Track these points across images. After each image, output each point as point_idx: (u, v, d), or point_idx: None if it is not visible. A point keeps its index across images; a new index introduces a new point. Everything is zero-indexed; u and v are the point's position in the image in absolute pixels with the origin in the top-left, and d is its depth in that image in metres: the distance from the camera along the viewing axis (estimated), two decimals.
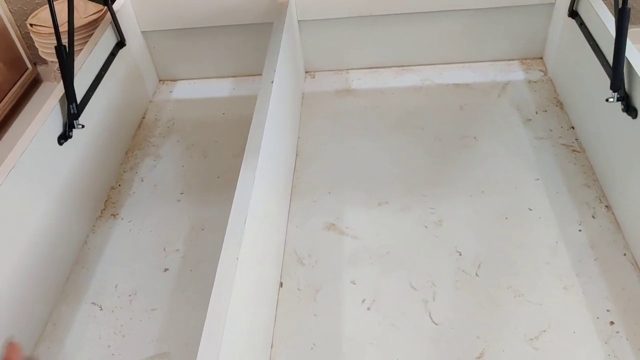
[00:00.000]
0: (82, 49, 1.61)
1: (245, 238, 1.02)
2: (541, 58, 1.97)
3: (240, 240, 1.00)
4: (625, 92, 1.29)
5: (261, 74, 1.42)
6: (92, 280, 1.41)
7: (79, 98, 1.47)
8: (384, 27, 1.91)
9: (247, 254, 1.04)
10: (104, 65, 1.65)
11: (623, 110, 1.29)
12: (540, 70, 1.92)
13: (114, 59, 1.72)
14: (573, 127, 1.67)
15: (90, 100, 1.54)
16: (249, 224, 1.05)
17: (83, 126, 1.45)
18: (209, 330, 0.87)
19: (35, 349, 1.28)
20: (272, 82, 1.37)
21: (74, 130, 1.43)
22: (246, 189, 1.10)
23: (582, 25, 1.58)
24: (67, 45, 1.37)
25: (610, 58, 1.33)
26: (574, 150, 1.60)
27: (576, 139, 1.63)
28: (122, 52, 1.79)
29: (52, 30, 1.71)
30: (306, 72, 2.05)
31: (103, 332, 1.30)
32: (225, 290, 0.93)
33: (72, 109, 1.40)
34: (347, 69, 2.04)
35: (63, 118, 1.41)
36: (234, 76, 2.09)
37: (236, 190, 1.10)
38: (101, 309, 1.34)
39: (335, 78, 2.01)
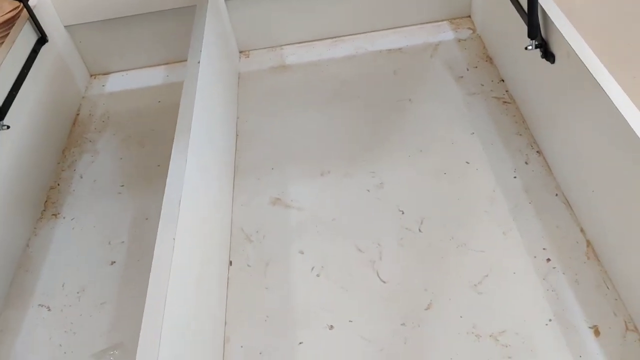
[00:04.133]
0: None
1: (182, 218, 1.02)
2: (469, 16, 2.00)
3: (176, 220, 1.00)
4: (542, 39, 1.34)
5: None
6: (37, 283, 1.39)
7: (0, 99, 1.42)
8: (315, 0, 1.90)
9: (186, 233, 1.04)
10: (25, 64, 1.60)
11: (542, 56, 1.34)
12: (469, 29, 1.95)
13: (36, 56, 1.66)
14: (503, 80, 1.72)
15: (15, 100, 1.49)
16: (184, 203, 1.04)
17: (8, 127, 1.41)
18: (149, 312, 0.87)
19: None
20: (199, 63, 1.36)
21: None
22: (178, 170, 1.09)
23: None
24: None
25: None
26: (505, 102, 1.64)
27: (506, 91, 1.68)
28: (45, 49, 1.73)
29: None
30: (240, 52, 2.03)
31: (53, 332, 1.28)
32: (163, 271, 0.93)
33: None
34: (281, 45, 2.03)
35: None
36: (166, 63, 2.05)
37: (169, 172, 1.09)
38: (49, 310, 1.32)
39: (270, 55, 2.00)
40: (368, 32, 2.02)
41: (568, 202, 1.35)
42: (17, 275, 1.41)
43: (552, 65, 1.32)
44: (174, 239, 0.97)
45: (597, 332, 1.12)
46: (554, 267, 1.23)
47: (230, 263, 1.35)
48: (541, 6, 1.33)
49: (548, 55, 1.32)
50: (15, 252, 1.43)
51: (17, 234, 1.45)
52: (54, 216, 1.55)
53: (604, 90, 1.09)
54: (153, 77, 2.00)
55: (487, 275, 1.24)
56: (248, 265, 1.34)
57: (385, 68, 1.84)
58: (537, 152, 1.48)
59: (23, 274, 1.41)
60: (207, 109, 1.36)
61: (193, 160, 1.15)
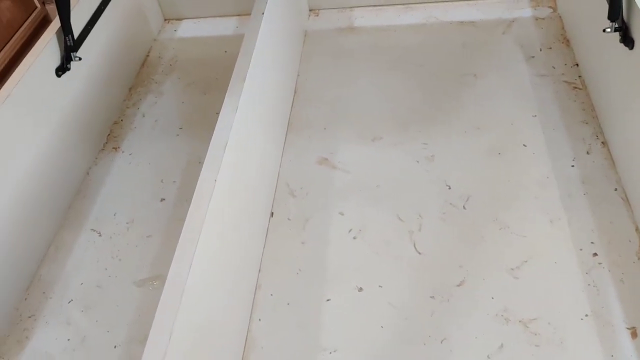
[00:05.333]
0: None
1: (226, 162, 1.05)
2: None
3: (220, 162, 1.03)
4: (624, 22, 1.25)
5: None
6: (92, 209, 1.47)
7: (77, 31, 1.49)
8: None
9: (228, 177, 1.06)
10: (103, 0, 1.66)
11: (620, 41, 1.25)
12: (550, 7, 1.85)
13: None
14: (577, 65, 1.63)
15: (90, 34, 1.56)
16: (230, 148, 1.07)
17: (80, 58, 1.48)
18: (183, 246, 0.91)
19: (38, 270, 1.35)
20: (263, 14, 1.36)
21: (72, 63, 1.46)
22: (228, 116, 1.12)
23: None
24: None
25: None
26: (576, 87, 1.56)
27: (579, 76, 1.59)
28: None
29: None
30: (310, 10, 2.02)
31: (101, 256, 1.36)
32: (201, 210, 0.96)
33: (69, 41, 1.42)
34: (352, 7, 2.00)
35: (60, 50, 1.44)
36: (238, 15, 2.07)
37: (219, 117, 1.12)
38: (100, 235, 1.41)
39: (339, 16, 1.98)
40: (441, 1, 1.95)
41: (627, 198, 1.28)
42: (76, 200, 1.50)
43: (631, 51, 1.24)
44: (215, 180, 1.00)
45: (634, 334, 1.07)
46: (599, 263, 1.18)
47: (272, 214, 1.38)
48: None
49: (627, 40, 1.23)
50: (76, 178, 1.52)
51: (80, 161, 1.54)
52: (114, 149, 1.63)
53: None
54: (223, 27, 2.03)
55: (526, 261, 1.21)
56: (288, 219, 1.36)
57: (453, 40, 1.79)
58: (602, 142, 1.41)
59: (81, 199, 1.50)
60: (265, 60, 1.37)
61: (244, 108, 1.17)
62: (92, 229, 1.43)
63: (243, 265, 1.18)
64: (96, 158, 1.61)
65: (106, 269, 1.33)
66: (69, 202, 1.48)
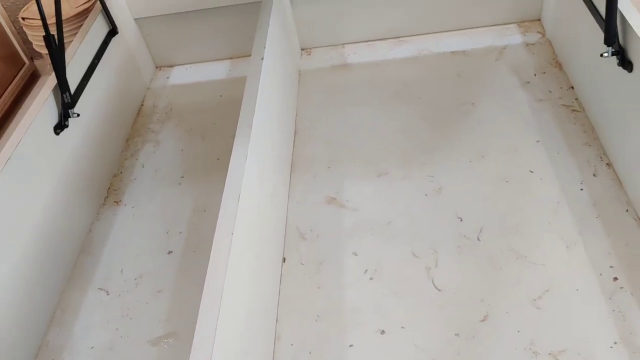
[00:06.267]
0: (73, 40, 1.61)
1: (240, 212, 1.03)
2: (539, 20, 1.93)
3: (235, 214, 1.01)
4: (620, 46, 1.27)
5: None
6: (98, 267, 1.43)
7: (72, 87, 1.47)
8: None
9: (243, 228, 1.04)
10: (97, 54, 1.66)
11: (618, 64, 1.27)
12: (538, 32, 1.88)
13: (107, 47, 1.72)
14: (572, 87, 1.64)
15: (85, 89, 1.55)
16: (243, 198, 1.05)
17: (78, 115, 1.46)
18: (206, 304, 0.88)
19: (46, 335, 1.30)
20: (262, 59, 1.36)
21: (69, 119, 1.44)
22: (239, 165, 1.10)
23: None
24: (56, 35, 1.37)
25: (604, 13, 1.30)
26: (574, 110, 1.57)
27: (576, 99, 1.61)
28: (115, 40, 1.79)
29: None
30: (302, 49, 2.04)
31: (110, 315, 1.32)
32: (221, 263, 0.94)
33: (66, 98, 1.41)
34: (343, 44, 2.02)
35: (58, 108, 1.42)
36: (230, 58, 2.08)
37: (229, 166, 1.11)
38: (108, 294, 1.37)
39: (332, 54, 2.00)
40: (432, 33, 1.98)
41: (639, 219, 1.28)
42: (80, 258, 1.46)
43: (629, 73, 1.25)
44: (232, 233, 0.98)
45: None
46: (621, 287, 1.17)
47: (284, 260, 1.35)
48: (620, 12, 1.26)
49: (625, 63, 1.25)
50: (79, 236, 1.49)
51: (81, 218, 1.50)
52: (115, 203, 1.60)
53: None
54: (216, 71, 2.04)
55: (547, 290, 1.19)
56: (301, 264, 1.34)
57: (448, 70, 1.80)
58: (607, 164, 1.41)
59: (85, 257, 1.46)
60: (268, 104, 1.37)
61: (253, 155, 1.16)
62: (99, 288, 1.39)
63: (261, 316, 1.14)
64: (98, 213, 1.57)
65: (117, 329, 1.29)
66: (72, 261, 1.45)
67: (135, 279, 1.38)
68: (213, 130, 1.77)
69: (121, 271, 1.41)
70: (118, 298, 1.35)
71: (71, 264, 1.44)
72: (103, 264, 1.44)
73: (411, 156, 1.54)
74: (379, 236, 1.36)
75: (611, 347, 1.09)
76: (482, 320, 1.17)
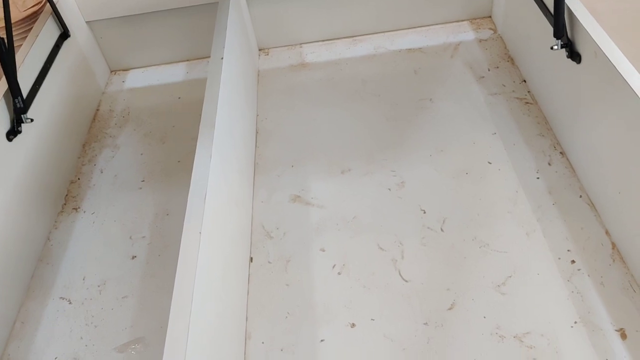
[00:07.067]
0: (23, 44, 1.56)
1: (207, 213, 1.02)
2: (490, 17, 1.99)
3: (202, 215, 1.00)
4: (568, 39, 1.32)
5: None
6: (58, 275, 1.39)
7: (24, 92, 1.43)
8: None
9: (211, 228, 1.03)
10: (48, 58, 1.61)
11: (567, 56, 1.32)
12: (490, 29, 1.94)
13: (59, 51, 1.67)
14: (525, 81, 1.70)
15: (38, 94, 1.50)
16: (209, 198, 1.04)
17: (32, 120, 1.41)
18: (177, 306, 0.87)
19: (5, 350, 1.25)
20: (222, 59, 1.36)
21: (22, 125, 1.39)
22: (204, 165, 1.09)
23: None
24: (5, 39, 1.32)
25: (552, 8, 1.36)
26: (527, 103, 1.63)
27: (528, 92, 1.66)
28: (67, 44, 1.74)
29: None
30: (260, 49, 2.03)
31: (74, 324, 1.28)
32: (190, 264, 0.92)
33: (18, 103, 1.36)
34: (301, 44, 2.03)
35: (10, 113, 1.37)
36: (187, 60, 2.05)
37: (194, 167, 1.09)
38: (70, 303, 1.33)
39: (290, 53, 2.00)
40: (387, 31, 2.01)
41: (593, 204, 1.33)
42: (38, 268, 1.42)
43: (578, 65, 1.31)
44: (200, 233, 0.97)
45: (623, 335, 1.11)
46: (578, 269, 1.22)
47: (251, 259, 1.35)
48: (567, 6, 1.31)
49: (574, 55, 1.31)
50: (37, 245, 1.44)
51: (38, 227, 1.45)
52: (74, 210, 1.55)
53: (633, 91, 1.08)
54: (173, 73, 2.01)
55: (510, 276, 1.23)
56: (269, 262, 1.34)
57: (405, 67, 1.83)
58: (561, 153, 1.47)
59: (44, 267, 1.42)
60: (229, 105, 1.36)
61: (217, 155, 1.15)
62: (60, 297, 1.34)
63: (231, 316, 1.13)
64: (56, 221, 1.53)
65: (81, 338, 1.25)
66: (31, 271, 1.40)
67: (98, 286, 1.35)
68: (173, 133, 1.74)
69: (83, 279, 1.37)
70: (81, 306, 1.31)
71: (29, 274, 1.39)
72: (63, 273, 1.40)
73: (373, 152, 1.56)
74: (345, 231, 1.37)
75: (571, 326, 1.13)
76: (449, 309, 1.19)
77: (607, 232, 1.28)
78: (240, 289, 1.24)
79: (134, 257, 1.39)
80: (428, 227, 1.35)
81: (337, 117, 1.69)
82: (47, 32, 1.65)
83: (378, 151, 1.56)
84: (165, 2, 1.85)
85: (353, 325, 1.19)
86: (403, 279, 1.26)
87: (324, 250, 1.34)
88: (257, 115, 1.75)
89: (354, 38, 2.01)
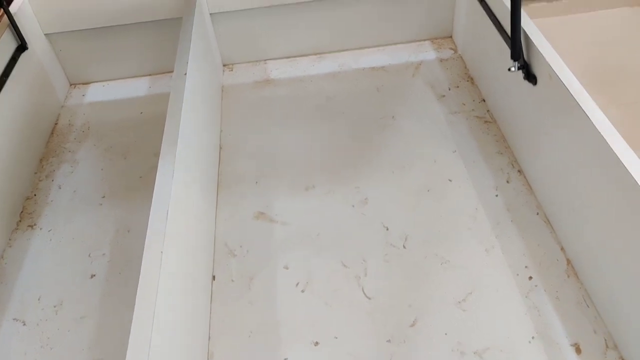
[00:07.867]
0: None
1: (169, 231, 1.01)
2: (451, 37, 2.05)
3: (164, 233, 0.98)
4: (525, 61, 1.37)
5: None
6: (12, 296, 1.34)
7: None
8: (299, 16, 1.92)
9: (173, 246, 1.02)
10: (5, 71, 1.57)
11: (524, 78, 1.37)
12: (451, 49, 1.99)
13: (15, 63, 1.63)
14: (484, 100, 1.75)
15: None
16: (171, 216, 1.03)
17: None
18: (137, 325, 0.85)
19: None
20: (185, 74, 1.35)
21: None
22: (166, 183, 1.08)
23: (482, 2, 1.65)
24: None
25: (509, 31, 1.40)
26: (486, 121, 1.68)
27: (487, 111, 1.71)
28: (24, 57, 1.70)
29: None
30: (224, 65, 2.03)
31: (28, 347, 1.24)
32: (151, 284, 0.91)
33: None
34: (265, 60, 2.04)
35: None
36: (149, 75, 2.03)
37: (155, 184, 1.08)
38: (24, 324, 1.28)
39: (254, 69, 2.01)
40: (351, 49, 2.04)
41: (549, 220, 1.38)
42: None
43: (534, 86, 1.36)
44: (161, 252, 0.96)
45: (578, 350, 1.14)
46: (535, 285, 1.25)
47: (214, 278, 1.33)
48: (523, 29, 1.36)
49: (530, 76, 1.35)
50: None
51: None
52: (30, 227, 1.51)
53: (584, 112, 1.13)
54: (134, 88, 1.98)
55: (470, 293, 1.25)
56: (232, 280, 1.32)
57: (368, 85, 1.86)
58: (518, 171, 1.51)
59: None
60: (192, 120, 1.35)
61: (179, 171, 1.14)
62: (14, 319, 1.30)
63: (194, 336, 1.12)
64: (10, 239, 1.48)
65: None
66: None
67: (54, 306, 1.31)
68: (134, 149, 1.71)
69: (38, 299, 1.33)
70: (36, 327, 1.27)
71: None
72: (17, 293, 1.35)
73: (336, 169, 1.57)
74: (309, 248, 1.38)
75: (529, 341, 1.16)
76: (411, 325, 1.21)
77: (562, 249, 1.32)
78: (203, 308, 1.23)
79: (92, 276, 1.36)
80: (391, 244, 1.37)
81: (301, 134, 1.70)
82: (4, 45, 1.61)
83: (341, 168, 1.57)
84: (127, 16, 1.83)
85: (316, 343, 1.19)
86: (366, 296, 1.27)
87: (287, 268, 1.34)
88: (221, 131, 1.74)
89: (319, 55, 2.03)
